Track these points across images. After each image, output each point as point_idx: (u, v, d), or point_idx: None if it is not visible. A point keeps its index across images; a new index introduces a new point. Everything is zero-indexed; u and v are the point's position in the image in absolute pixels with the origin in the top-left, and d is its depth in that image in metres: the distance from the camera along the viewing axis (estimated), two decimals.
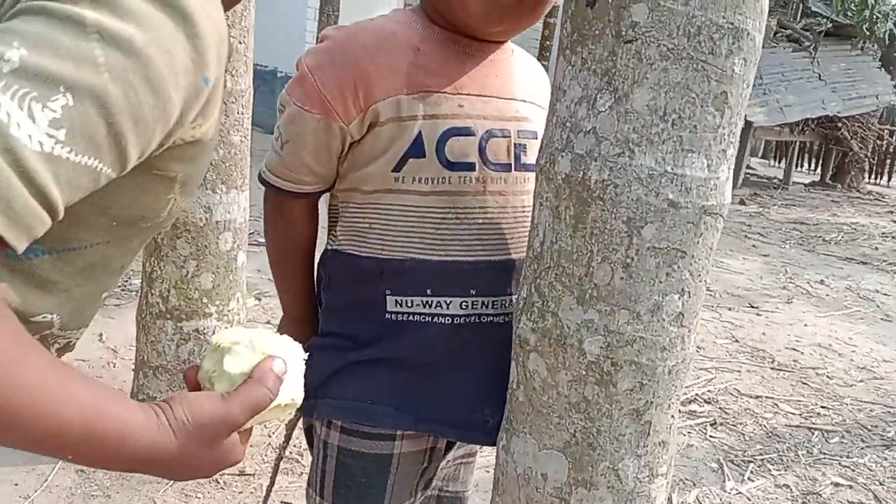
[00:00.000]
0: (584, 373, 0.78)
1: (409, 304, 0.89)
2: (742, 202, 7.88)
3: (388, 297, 0.89)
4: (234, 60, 1.82)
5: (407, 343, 0.89)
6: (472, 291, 0.89)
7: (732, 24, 0.73)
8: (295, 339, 0.68)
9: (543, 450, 0.82)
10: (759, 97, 8.45)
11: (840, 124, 9.86)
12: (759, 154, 12.86)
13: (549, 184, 0.80)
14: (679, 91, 0.73)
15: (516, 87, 0.92)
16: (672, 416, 0.84)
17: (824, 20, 9.60)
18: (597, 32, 0.76)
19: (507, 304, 0.91)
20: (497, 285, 0.90)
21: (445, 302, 0.89)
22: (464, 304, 0.89)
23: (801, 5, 9.46)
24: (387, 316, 0.90)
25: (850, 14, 8.07)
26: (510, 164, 0.89)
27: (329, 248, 0.95)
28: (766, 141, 12.05)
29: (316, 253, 1.00)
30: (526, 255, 0.85)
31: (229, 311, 1.96)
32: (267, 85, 7.25)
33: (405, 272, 0.88)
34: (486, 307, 0.90)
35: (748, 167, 10.24)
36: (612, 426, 0.80)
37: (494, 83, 0.90)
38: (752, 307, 4.11)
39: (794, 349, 3.52)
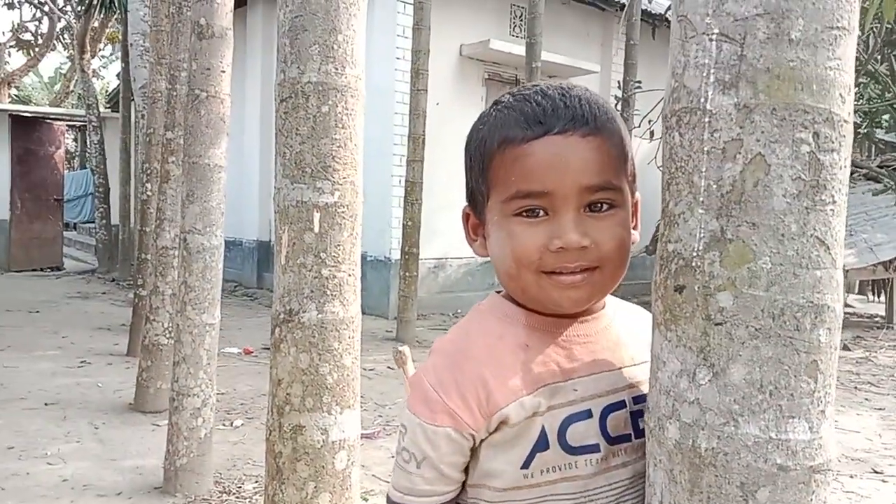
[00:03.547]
0: None
1: None
2: (846, 347, 7.55)
3: None
4: (345, 292, 2.00)
5: None
6: None
7: (812, 302, 0.81)
8: None
9: None
10: (846, 239, 8.31)
11: None
12: (856, 290, 12.42)
13: (661, 447, 0.87)
14: (772, 365, 0.81)
15: (624, 352, 0.96)
16: None
17: None
18: (688, 314, 0.85)
19: None
20: None
21: None
22: None
23: (871, 144, 9.47)
24: None
25: None
26: (630, 434, 0.93)
27: None
28: None
29: None
30: None
31: None
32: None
33: None
34: None
35: (846, 306, 9.88)
36: None
37: (603, 356, 0.95)
38: (877, 472, 3.86)
39: None
